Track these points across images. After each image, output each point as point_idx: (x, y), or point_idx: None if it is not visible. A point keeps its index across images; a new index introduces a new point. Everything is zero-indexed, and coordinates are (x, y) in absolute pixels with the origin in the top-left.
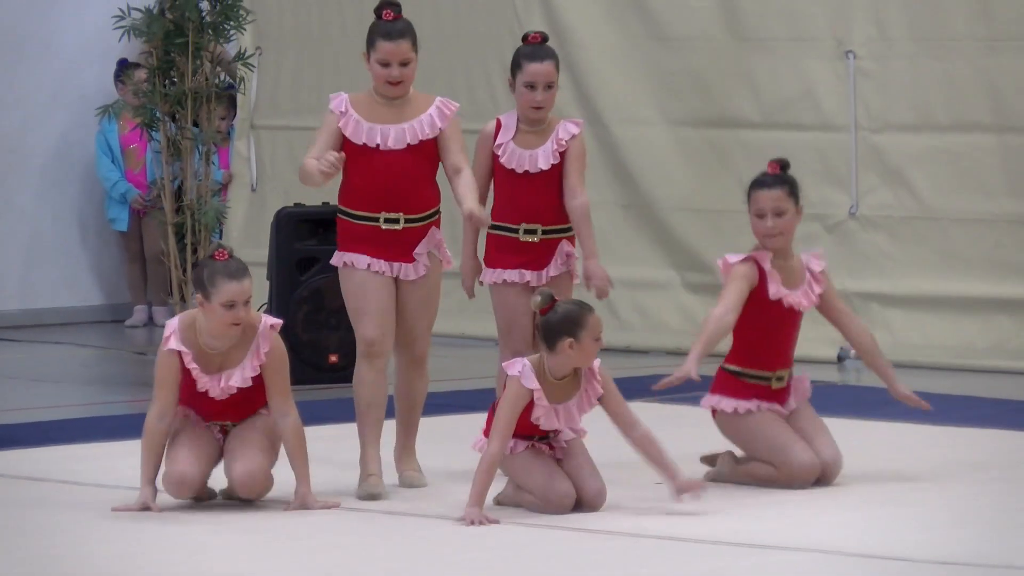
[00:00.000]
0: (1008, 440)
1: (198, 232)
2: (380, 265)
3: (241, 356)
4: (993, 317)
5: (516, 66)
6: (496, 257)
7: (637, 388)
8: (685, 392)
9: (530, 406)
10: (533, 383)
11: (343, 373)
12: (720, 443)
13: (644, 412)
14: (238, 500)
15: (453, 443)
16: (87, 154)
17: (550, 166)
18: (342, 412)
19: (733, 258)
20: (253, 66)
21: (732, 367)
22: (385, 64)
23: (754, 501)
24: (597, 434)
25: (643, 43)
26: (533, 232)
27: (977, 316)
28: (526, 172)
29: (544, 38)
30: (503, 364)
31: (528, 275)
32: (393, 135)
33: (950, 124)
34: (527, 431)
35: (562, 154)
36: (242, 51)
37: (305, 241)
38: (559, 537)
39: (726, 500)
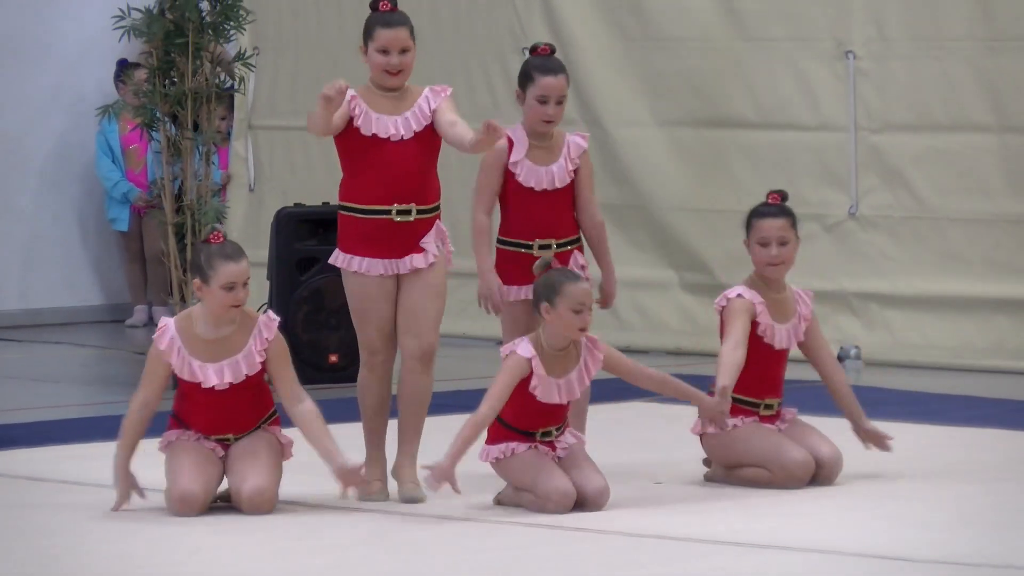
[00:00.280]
0: (1007, 440)
1: (198, 232)
2: (384, 266)
3: (242, 343)
4: (992, 317)
5: (527, 78)
6: (512, 273)
7: (639, 389)
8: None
9: (528, 379)
10: (529, 351)
11: (343, 373)
12: None
13: (644, 412)
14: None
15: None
16: (87, 154)
17: (565, 184)
18: (343, 412)
19: (731, 293)
20: (253, 66)
21: None
22: (384, 52)
23: (754, 501)
24: (597, 434)
25: (641, 44)
26: (548, 247)
27: (976, 316)
28: (544, 190)
29: (553, 50)
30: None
31: None
32: (398, 124)
33: (949, 124)
34: (527, 425)
35: (575, 170)
36: (242, 51)
37: (305, 241)
38: (559, 537)
39: (726, 500)
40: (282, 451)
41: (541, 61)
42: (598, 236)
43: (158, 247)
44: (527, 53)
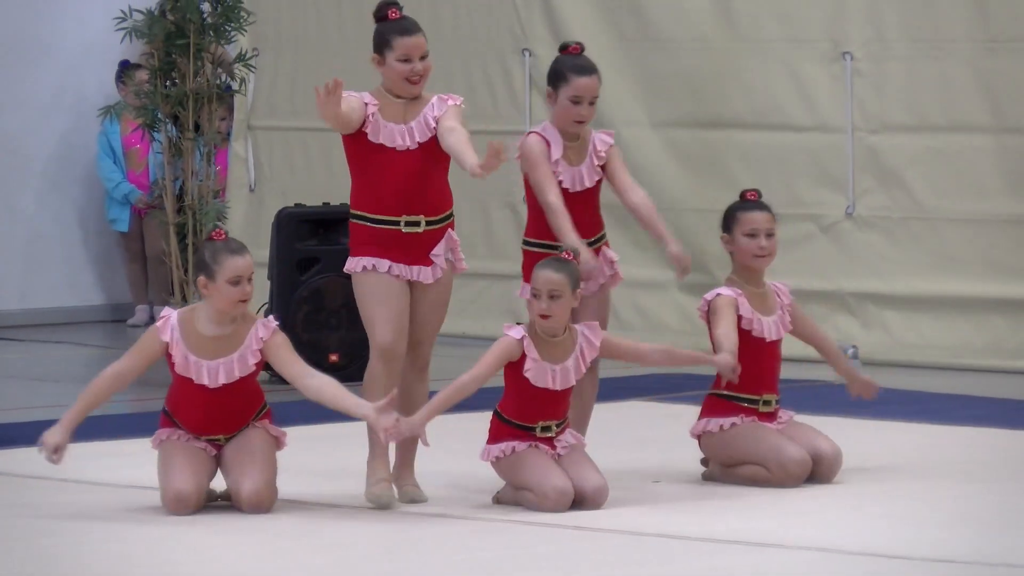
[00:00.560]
0: (1003, 439)
1: (199, 232)
2: (399, 269)
3: (239, 344)
4: (988, 317)
5: (560, 78)
6: None
7: (637, 388)
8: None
9: (522, 364)
10: (520, 332)
11: (344, 372)
12: None
13: (643, 411)
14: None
15: (453, 442)
16: (88, 155)
17: (594, 182)
18: None
19: (710, 295)
20: (254, 68)
21: (721, 392)
22: (406, 60)
23: (753, 500)
24: (596, 433)
25: (640, 45)
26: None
27: (972, 316)
28: (576, 191)
29: (582, 47)
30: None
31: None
32: (404, 135)
33: (946, 125)
34: (527, 418)
35: (602, 166)
36: (242, 52)
37: (306, 241)
38: (558, 536)
39: (724, 499)
40: (276, 444)
41: (574, 60)
42: (651, 209)
43: (159, 247)
44: (527, 55)
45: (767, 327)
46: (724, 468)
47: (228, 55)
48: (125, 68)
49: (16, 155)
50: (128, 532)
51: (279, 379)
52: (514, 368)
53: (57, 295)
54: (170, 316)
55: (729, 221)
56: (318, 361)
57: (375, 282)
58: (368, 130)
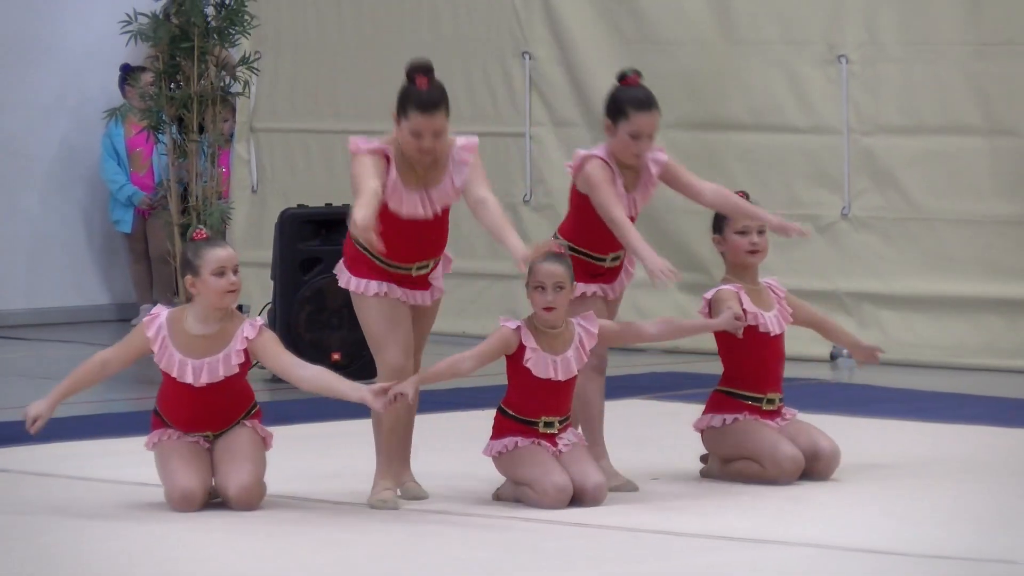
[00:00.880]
0: (999, 437)
1: None
2: (403, 294)
3: (224, 344)
4: (984, 316)
5: (619, 113)
6: (577, 274)
7: (636, 387)
8: (685, 391)
9: (521, 355)
10: (512, 323)
11: (345, 372)
12: None
13: (642, 410)
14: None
15: (454, 440)
16: (91, 157)
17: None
18: (344, 409)
19: (709, 294)
20: (257, 70)
21: (726, 388)
22: (418, 135)
23: (751, 496)
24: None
25: (638, 47)
26: (617, 258)
27: (968, 316)
28: (630, 216)
29: (640, 76)
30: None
31: (606, 288)
32: (425, 205)
33: (940, 127)
34: (530, 412)
35: (661, 178)
36: (246, 55)
37: (308, 242)
38: (557, 532)
39: (723, 496)
40: (263, 444)
41: (634, 95)
42: (726, 195)
43: (163, 247)
44: (528, 58)
45: (769, 321)
46: (722, 464)
47: (232, 58)
48: (130, 71)
49: (19, 156)
50: (128, 530)
51: (279, 379)
52: (515, 361)
53: (62, 295)
54: (160, 314)
55: (719, 221)
56: (320, 361)
57: (386, 307)
58: (388, 197)
